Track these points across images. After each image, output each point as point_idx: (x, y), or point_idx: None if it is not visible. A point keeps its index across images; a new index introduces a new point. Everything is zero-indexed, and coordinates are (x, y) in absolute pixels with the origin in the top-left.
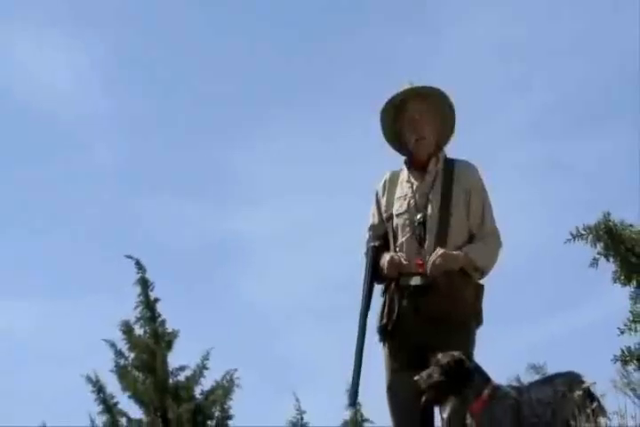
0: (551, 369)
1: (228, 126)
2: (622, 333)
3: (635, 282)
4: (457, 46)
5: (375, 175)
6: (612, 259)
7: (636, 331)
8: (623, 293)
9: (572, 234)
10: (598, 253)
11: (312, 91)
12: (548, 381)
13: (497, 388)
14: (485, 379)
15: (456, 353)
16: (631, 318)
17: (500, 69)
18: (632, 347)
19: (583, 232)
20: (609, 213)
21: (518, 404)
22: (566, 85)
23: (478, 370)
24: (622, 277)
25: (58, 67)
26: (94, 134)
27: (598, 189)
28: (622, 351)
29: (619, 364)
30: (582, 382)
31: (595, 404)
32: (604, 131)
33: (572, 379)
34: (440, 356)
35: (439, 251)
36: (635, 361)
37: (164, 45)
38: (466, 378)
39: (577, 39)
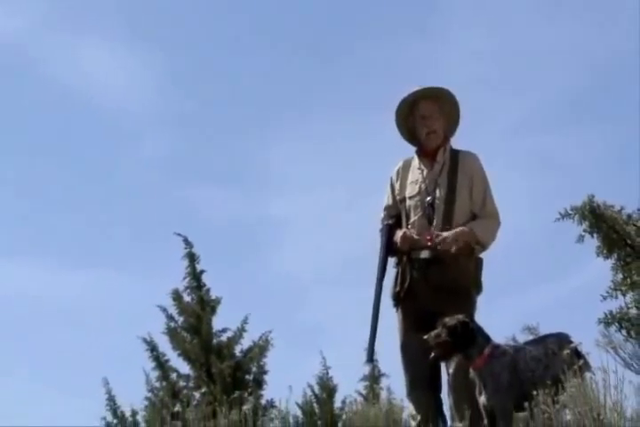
0: (543, 330)
1: (265, 127)
2: (605, 299)
3: (615, 255)
4: (458, 50)
5: (383, 169)
6: (595, 235)
7: (616, 297)
8: (605, 265)
9: (560, 214)
10: (584, 231)
11: (334, 95)
12: (541, 340)
13: (496, 346)
14: (486, 339)
15: (461, 316)
16: (612, 287)
17: (496, 73)
18: (613, 311)
19: (570, 212)
20: (593, 196)
21: (515, 360)
22: (552, 87)
23: (480, 331)
24: (605, 252)
25: (117, 71)
26: (144, 130)
27: (584, 175)
28: (605, 315)
29: (602, 326)
30: (570, 341)
31: (581, 361)
32: (584, 127)
33: (562, 339)
34: (447, 318)
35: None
36: (616, 323)
37: (209, 54)
38: (470, 338)
39: (561, 48)
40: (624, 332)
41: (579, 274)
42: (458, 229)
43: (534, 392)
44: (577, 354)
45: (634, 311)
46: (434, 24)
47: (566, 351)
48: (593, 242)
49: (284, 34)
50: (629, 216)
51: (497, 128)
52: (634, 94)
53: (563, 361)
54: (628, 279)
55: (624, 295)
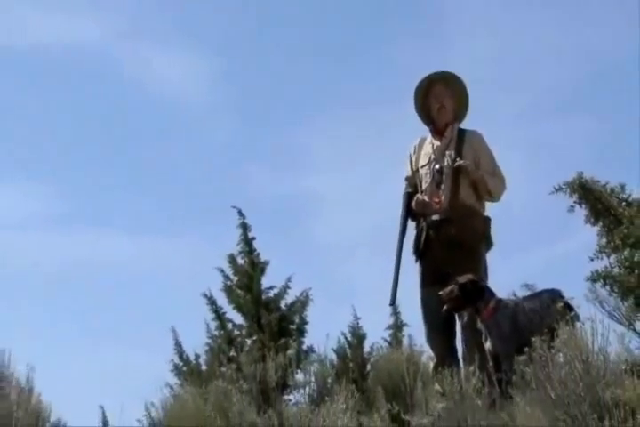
0: (540, 287)
1: (306, 115)
2: (592, 260)
3: (601, 223)
4: (460, 52)
5: (402, 151)
6: (584, 206)
7: (602, 259)
8: (592, 231)
9: (554, 188)
10: (574, 202)
11: (365, 90)
12: (537, 295)
13: (500, 301)
14: (491, 294)
15: (471, 275)
16: (598, 250)
17: (497, 72)
18: (599, 270)
19: (563, 186)
20: (582, 173)
21: (515, 312)
22: (545, 83)
23: (487, 288)
24: (592, 220)
25: (182, 71)
26: (205, 118)
27: (574, 156)
28: (592, 273)
29: (589, 283)
30: (562, 296)
31: (572, 312)
32: (573, 117)
33: (555, 294)
34: (459, 277)
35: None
36: (601, 280)
37: (259, 54)
38: (478, 294)
39: (551, 49)
40: (608, 288)
41: (570, 239)
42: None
43: (532, 339)
44: (568, 307)
45: (616, 270)
46: (443, 34)
47: (559, 305)
48: (582, 212)
49: (315, 38)
50: (612, 190)
51: (500, 118)
52: (616, 90)
53: (556, 313)
54: (612, 243)
55: (608, 257)
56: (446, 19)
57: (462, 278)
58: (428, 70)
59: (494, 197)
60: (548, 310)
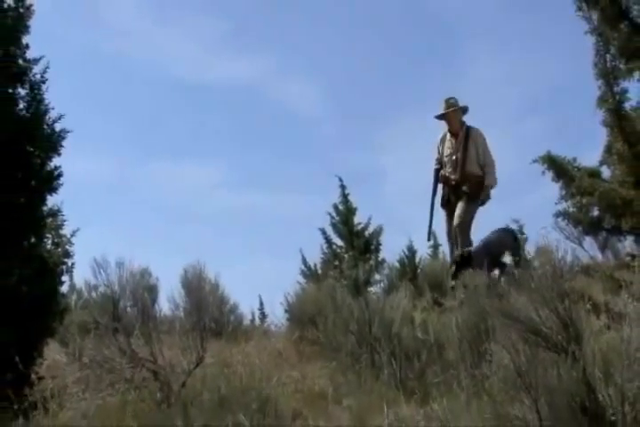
0: (524, 221)
1: (385, 116)
2: (556, 204)
3: (562, 180)
4: (472, 76)
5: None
6: (551, 171)
7: (562, 203)
8: (557, 186)
9: (533, 160)
10: (545, 169)
11: (421, 101)
12: (498, 231)
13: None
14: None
15: (466, 249)
16: (560, 197)
17: (490, 87)
18: (561, 209)
19: (537, 159)
20: (550, 151)
21: (486, 243)
22: (521, 94)
23: (474, 250)
24: (556, 179)
25: (308, 93)
26: (321, 120)
27: (545, 139)
28: (556, 212)
29: (555, 217)
30: (513, 231)
31: (517, 242)
32: (545, 117)
33: (508, 230)
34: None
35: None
36: (562, 216)
37: (356, 74)
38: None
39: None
40: (566, 221)
41: (543, 191)
42: (485, 190)
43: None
44: (515, 238)
45: (571, 210)
46: (457, 61)
47: (511, 236)
48: (549, 174)
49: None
50: (569, 160)
51: (499, 116)
52: (571, 99)
53: (508, 241)
54: (569, 193)
55: (566, 202)
56: (459, 50)
57: (460, 251)
58: (448, 87)
59: (492, 188)
60: (503, 240)
